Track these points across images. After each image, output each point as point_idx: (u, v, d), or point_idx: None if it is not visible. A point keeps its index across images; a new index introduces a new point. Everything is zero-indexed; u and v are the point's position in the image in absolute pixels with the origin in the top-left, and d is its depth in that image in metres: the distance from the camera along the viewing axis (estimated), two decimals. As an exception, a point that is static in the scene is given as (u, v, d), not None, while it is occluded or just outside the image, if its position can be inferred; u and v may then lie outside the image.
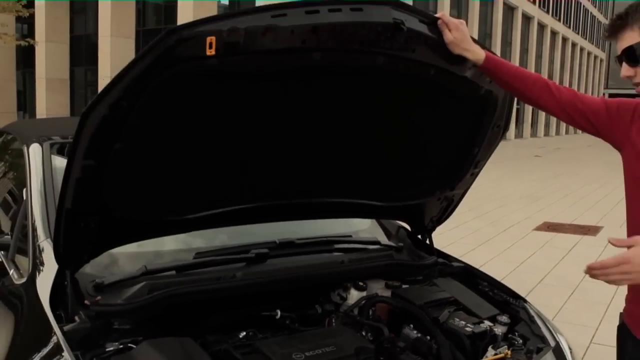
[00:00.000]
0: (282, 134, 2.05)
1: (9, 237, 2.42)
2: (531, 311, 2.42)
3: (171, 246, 2.36)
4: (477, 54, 1.93)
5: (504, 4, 37.01)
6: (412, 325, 2.26)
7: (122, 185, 1.82)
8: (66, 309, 1.89)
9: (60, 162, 2.65)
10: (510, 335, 2.27)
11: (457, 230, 8.63)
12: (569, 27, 50.06)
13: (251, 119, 1.91)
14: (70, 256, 1.90)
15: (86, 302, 1.92)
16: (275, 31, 1.61)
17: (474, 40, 1.97)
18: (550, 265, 6.84)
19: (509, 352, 2.11)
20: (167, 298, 1.99)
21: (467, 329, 2.21)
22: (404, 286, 2.54)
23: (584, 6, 55.93)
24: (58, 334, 1.77)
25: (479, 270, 2.73)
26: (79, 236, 1.85)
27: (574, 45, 53.12)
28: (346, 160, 2.29)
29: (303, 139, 2.11)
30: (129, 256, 2.20)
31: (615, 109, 1.84)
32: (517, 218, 9.90)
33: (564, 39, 49.89)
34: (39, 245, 2.19)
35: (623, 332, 1.87)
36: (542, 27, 43.36)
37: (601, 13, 64.05)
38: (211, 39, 1.54)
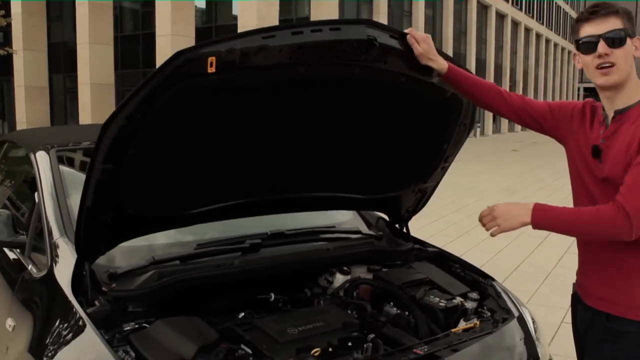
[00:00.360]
0: (273, 137, 2.31)
1: (25, 236, 2.65)
2: (498, 288, 2.70)
3: (175, 239, 2.62)
4: (441, 64, 2.20)
5: (478, 2, 37.54)
6: (392, 303, 2.54)
7: (134, 185, 2.07)
8: (86, 296, 2.14)
9: (64, 168, 2.90)
10: (479, 309, 2.55)
11: (437, 224, 8.96)
12: (542, 23, 50.85)
13: (247, 125, 2.17)
14: (89, 248, 2.16)
15: (104, 288, 2.17)
16: (266, 50, 1.88)
17: (439, 52, 2.24)
18: (526, 253, 7.17)
19: (478, 322, 2.39)
20: (174, 284, 2.25)
21: (441, 304, 2.49)
22: (384, 269, 2.81)
23: (556, 3, 56.81)
24: (82, 316, 2.02)
25: (451, 254, 3.02)
26: (97, 230, 2.11)
27: (547, 41, 53.95)
28: (330, 159, 2.56)
29: (292, 141, 2.37)
30: (137, 249, 2.45)
31: (558, 110, 2.14)
32: (494, 211, 10.24)
33: (538, 36, 50.68)
34: (54, 242, 2.44)
35: (575, 299, 2.17)
36: (515, 24, 44.03)
37: (573, 9, 65.01)
38: (212, 58, 1.80)
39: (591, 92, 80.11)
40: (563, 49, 59.70)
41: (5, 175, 3.74)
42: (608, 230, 1.83)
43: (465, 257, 2.99)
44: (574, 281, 2.20)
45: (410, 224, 3.18)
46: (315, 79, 2.10)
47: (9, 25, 20.22)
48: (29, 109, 25.23)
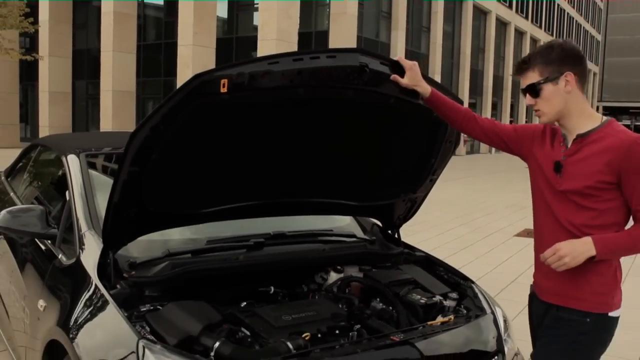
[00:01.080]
0: (277, 148, 2.64)
1: (55, 229, 3.00)
2: (476, 289, 3.00)
3: (188, 235, 2.96)
4: (425, 89, 2.51)
5: (497, 19, 37.77)
6: (378, 299, 2.86)
7: (156, 186, 2.41)
8: (109, 280, 2.48)
9: (91, 170, 3.25)
10: (457, 308, 2.86)
11: (442, 236, 9.24)
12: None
13: (254, 137, 2.51)
14: (114, 239, 2.50)
15: (124, 275, 2.51)
16: (270, 74, 2.21)
17: (424, 77, 2.55)
18: (525, 266, 7.42)
19: (453, 317, 2.69)
20: (185, 273, 2.58)
21: (421, 301, 2.80)
22: (374, 270, 3.13)
23: (576, 21, 56.86)
24: (106, 296, 2.36)
25: (437, 259, 3.33)
26: (122, 224, 2.45)
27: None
28: (327, 168, 2.88)
29: (294, 151, 2.70)
30: (155, 242, 2.78)
31: (521, 131, 2.46)
32: (500, 225, 10.50)
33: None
34: (82, 234, 2.79)
35: (531, 297, 2.48)
36: (534, 41, 44.17)
37: (594, 27, 65.00)
38: (224, 80, 2.14)
39: (611, 111, 79.33)
40: (582, 67, 59.60)
41: (38, 176, 4.12)
42: None
43: (466, 269, 3.25)
44: (531, 284, 2.50)
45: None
46: (314, 99, 2.43)
47: (36, 31, 20.83)
48: (52, 114, 25.85)
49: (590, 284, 2.21)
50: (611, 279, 2.24)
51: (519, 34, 41.96)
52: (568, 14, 53.80)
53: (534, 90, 2.24)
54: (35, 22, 20.20)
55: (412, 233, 8.76)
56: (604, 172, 2.14)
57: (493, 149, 35.11)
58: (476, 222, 10.70)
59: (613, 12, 75.06)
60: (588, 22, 62.24)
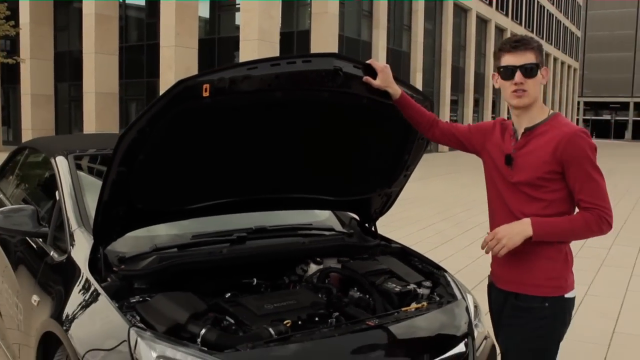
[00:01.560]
0: (258, 147, 2.79)
1: (46, 228, 3.13)
2: (448, 278, 3.16)
3: (174, 230, 3.10)
4: (395, 90, 2.67)
5: (477, 16, 38.12)
6: (355, 288, 3.02)
7: (143, 184, 2.56)
8: (100, 274, 2.62)
9: (79, 171, 3.38)
10: (431, 295, 3.02)
11: (424, 231, 9.42)
12: (542, 37, 51.46)
13: (236, 137, 2.66)
14: (104, 235, 2.64)
15: (114, 269, 2.66)
16: (249, 78, 2.37)
17: (395, 78, 2.71)
18: (503, 259, 7.62)
19: (425, 304, 2.86)
20: (172, 267, 2.73)
21: (396, 289, 2.96)
22: (351, 261, 3.29)
23: (556, 17, 57.50)
24: (97, 288, 2.50)
25: (412, 250, 3.49)
26: (111, 221, 2.59)
27: (546, 55, 54.52)
28: (306, 166, 3.04)
29: (273, 150, 2.86)
30: (142, 238, 2.92)
31: (475, 129, 2.63)
32: (481, 220, 10.67)
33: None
34: (73, 232, 2.92)
35: (490, 286, 2.62)
36: (515, 38, 44.45)
37: (574, 24, 65.73)
38: (206, 85, 2.29)
39: (591, 107, 79.39)
40: (563, 63, 60.36)
41: (26, 177, 4.24)
42: (594, 234, 2.34)
43: (446, 262, 3.38)
44: (489, 274, 2.65)
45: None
46: (291, 101, 2.59)
47: (17, 34, 20.75)
48: (35, 117, 25.75)
49: (544, 270, 2.36)
50: (562, 263, 2.39)
51: (500, 30, 42.36)
52: (548, 10, 54.37)
53: (531, 69, 2.32)
54: (16, 24, 20.15)
55: (394, 229, 8.95)
56: (550, 163, 2.29)
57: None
58: (457, 217, 10.91)
59: (592, 9, 75.90)
60: (567, 18, 62.90)
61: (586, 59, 76.24)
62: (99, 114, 23.60)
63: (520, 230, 2.28)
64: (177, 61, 21.18)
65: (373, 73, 2.66)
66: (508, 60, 2.36)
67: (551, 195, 2.33)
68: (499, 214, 2.46)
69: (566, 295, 2.39)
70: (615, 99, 74.07)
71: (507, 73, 2.36)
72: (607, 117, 75.86)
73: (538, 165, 2.32)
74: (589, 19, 75.89)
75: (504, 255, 2.33)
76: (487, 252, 2.36)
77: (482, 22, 39.82)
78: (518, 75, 2.33)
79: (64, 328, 2.47)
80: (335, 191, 3.30)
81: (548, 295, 2.36)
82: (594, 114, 77.44)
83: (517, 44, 2.35)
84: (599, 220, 2.28)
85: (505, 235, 2.29)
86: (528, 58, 2.33)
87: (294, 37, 24.30)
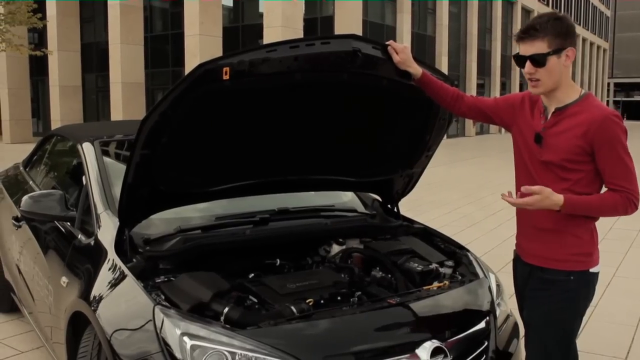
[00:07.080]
0: (279, 128, 2.82)
1: (74, 212, 3.20)
2: (471, 257, 3.17)
3: (198, 212, 3.15)
4: (416, 70, 2.66)
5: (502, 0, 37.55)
6: (378, 268, 3.04)
7: (166, 167, 2.60)
8: (125, 255, 2.68)
9: (105, 156, 3.44)
10: (453, 274, 3.03)
11: (450, 215, 9.39)
12: (572, 19, 50.45)
13: (256, 119, 2.69)
14: (129, 218, 2.70)
15: (140, 250, 2.71)
16: (269, 61, 2.38)
17: (415, 59, 2.71)
18: (530, 242, 7.56)
19: (447, 283, 2.87)
20: (196, 248, 2.78)
21: (418, 268, 2.97)
22: (374, 242, 3.30)
23: (584, -3, 56.35)
24: (123, 268, 2.56)
25: (435, 230, 3.50)
26: (136, 203, 2.65)
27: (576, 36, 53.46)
28: (327, 147, 3.05)
29: (294, 131, 2.88)
30: (167, 220, 2.97)
31: (502, 102, 2.60)
32: (506, 204, 10.57)
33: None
34: (99, 215, 2.99)
35: (516, 260, 2.64)
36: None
37: (603, 4, 64.32)
38: (226, 68, 2.32)
39: (622, 88, 77.62)
40: (592, 44, 59.17)
41: (55, 164, 4.34)
42: (619, 214, 2.36)
43: (472, 245, 3.36)
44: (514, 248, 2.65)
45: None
46: (311, 83, 2.60)
47: (44, 27, 21.02)
48: (63, 108, 26.08)
49: (570, 245, 2.38)
50: (588, 240, 2.41)
51: (526, 12, 41.63)
52: (576, -10, 53.32)
53: (539, 60, 2.29)
54: (44, 17, 20.38)
55: (421, 212, 8.93)
56: (581, 145, 2.28)
57: (502, 129, 35.08)
58: (483, 201, 10.83)
59: (622, -13, 74.18)
60: (597, -2, 61.64)
61: (616, 39, 74.62)
62: (126, 103, 23.83)
63: (553, 201, 2.25)
64: (201, 50, 21.24)
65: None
66: (520, 49, 2.35)
67: (579, 175, 2.33)
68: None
69: (591, 270, 2.41)
70: (646, 79, 72.47)
71: (518, 62, 2.37)
72: (638, 98, 74.30)
73: (568, 147, 2.31)
74: (618, -1, 74.25)
75: (531, 230, 2.37)
76: (506, 199, 2.32)
77: (508, 3, 39.20)
78: (528, 65, 2.32)
79: (92, 308, 2.53)
80: (357, 172, 3.32)
81: (573, 270, 2.38)
82: (625, 95, 75.88)
83: (524, 34, 2.33)
84: (626, 202, 2.30)
85: (539, 200, 2.24)
86: (537, 47, 2.29)
87: (317, 23, 24.21)
